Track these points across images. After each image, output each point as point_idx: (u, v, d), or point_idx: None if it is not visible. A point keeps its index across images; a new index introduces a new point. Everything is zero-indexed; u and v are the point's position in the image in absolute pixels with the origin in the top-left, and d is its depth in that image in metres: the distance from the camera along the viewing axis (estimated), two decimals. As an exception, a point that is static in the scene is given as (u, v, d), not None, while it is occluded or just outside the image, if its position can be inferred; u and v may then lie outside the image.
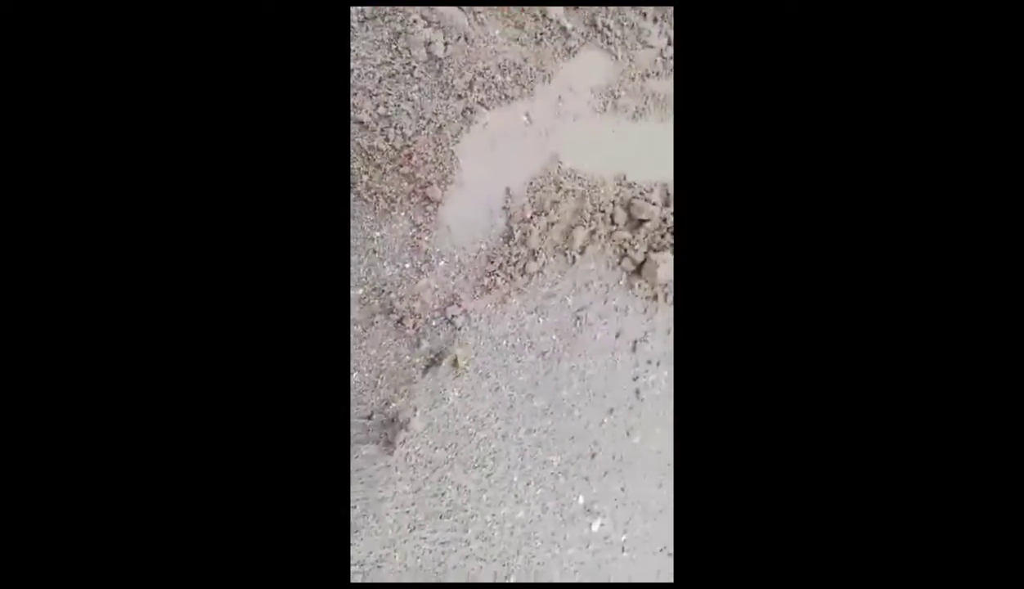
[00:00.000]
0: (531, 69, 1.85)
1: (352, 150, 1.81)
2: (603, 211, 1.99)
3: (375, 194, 1.77)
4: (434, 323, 1.84)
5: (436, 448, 1.76)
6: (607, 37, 1.86)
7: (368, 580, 1.60)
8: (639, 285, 1.86)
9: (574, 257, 1.93)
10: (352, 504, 1.61)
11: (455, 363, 1.67)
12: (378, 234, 1.82)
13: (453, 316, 1.76)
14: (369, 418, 1.76)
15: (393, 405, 1.73)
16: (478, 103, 1.84)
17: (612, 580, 1.53)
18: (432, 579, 1.66)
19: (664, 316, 1.85)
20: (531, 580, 1.76)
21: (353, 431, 1.69)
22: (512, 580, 1.75)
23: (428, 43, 1.59)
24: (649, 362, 1.79)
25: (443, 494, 1.75)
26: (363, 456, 1.70)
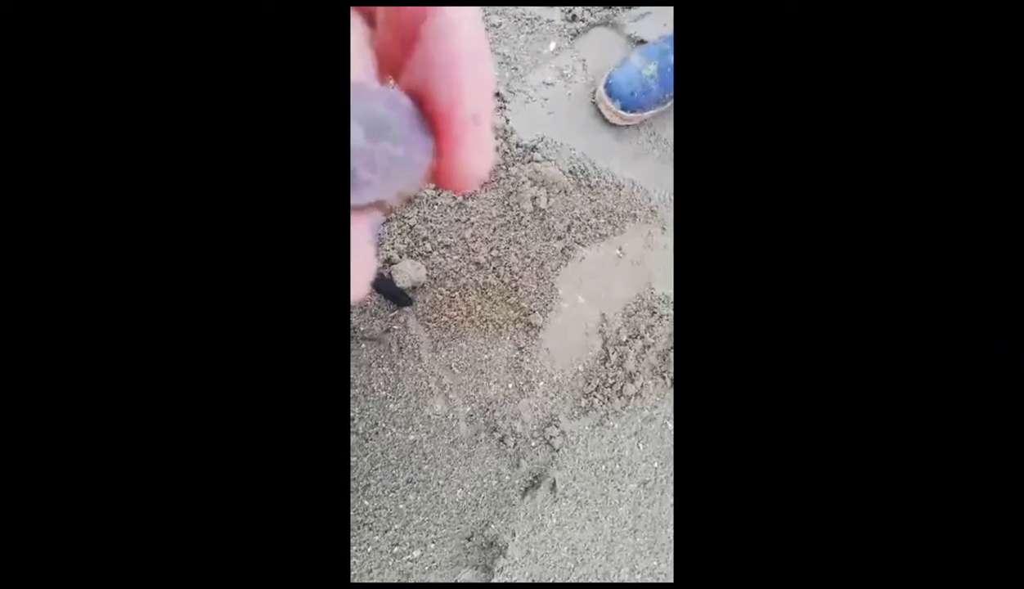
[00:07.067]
0: (622, 212, 2.04)
1: (469, 287, 2.07)
2: (701, 335, 1.96)
3: (486, 322, 1.98)
4: (533, 444, 1.87)
5: (533, 579, 1.68)
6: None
7: None
8: (749, 413, 1.74)
9: (673, 380, 1.89)
10: (447, 632, 1.55)
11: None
12: (486, 356, 1.98)
13: (552, 437, 1.78)
14: (469, 539, 1.76)
15: (492, 527, 1.73)
16: (575, 242, 2.05)
17: None
18: None
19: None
20: None
21: (453, 552, 1.69)
22: None
23: (534, 198, 1.87)
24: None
25: (539, 634, 1.62)
26: (461, 582, 1.67)
